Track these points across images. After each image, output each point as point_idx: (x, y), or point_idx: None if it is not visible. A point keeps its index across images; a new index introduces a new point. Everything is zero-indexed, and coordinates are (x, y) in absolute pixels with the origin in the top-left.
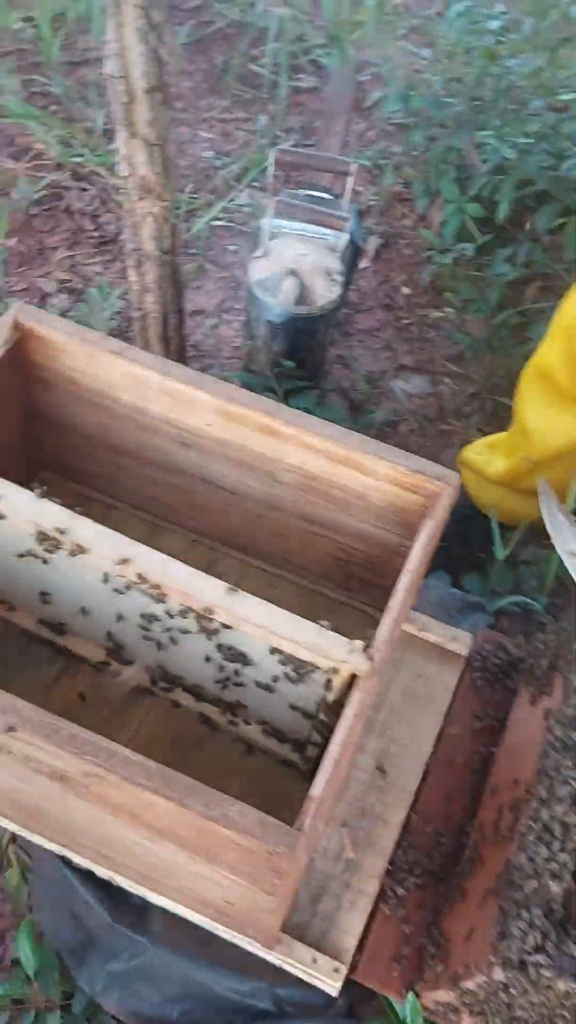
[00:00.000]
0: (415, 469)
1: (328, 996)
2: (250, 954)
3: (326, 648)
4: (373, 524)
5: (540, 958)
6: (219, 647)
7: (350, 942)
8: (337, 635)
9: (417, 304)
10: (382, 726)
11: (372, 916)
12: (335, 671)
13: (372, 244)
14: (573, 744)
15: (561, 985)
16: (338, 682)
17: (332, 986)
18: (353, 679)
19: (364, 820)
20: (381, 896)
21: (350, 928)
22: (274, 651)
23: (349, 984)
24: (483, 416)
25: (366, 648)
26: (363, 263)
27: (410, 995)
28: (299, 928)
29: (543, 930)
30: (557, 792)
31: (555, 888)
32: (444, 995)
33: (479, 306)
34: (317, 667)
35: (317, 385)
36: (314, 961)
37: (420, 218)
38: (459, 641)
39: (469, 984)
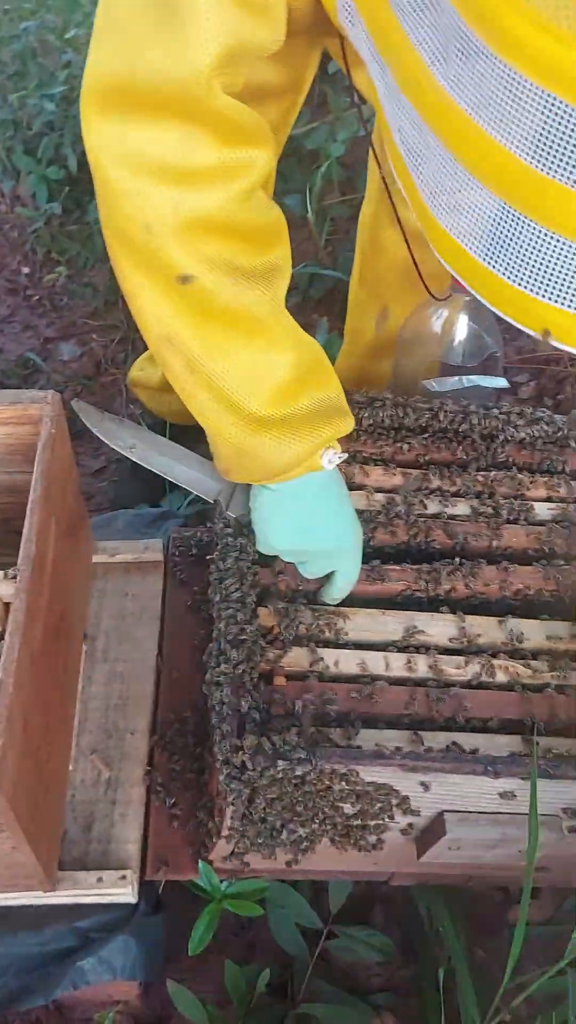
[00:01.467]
0: (11, 402)
1: (129, 906)
2: (47, 907)
3: None
4: (5, 472)
5: (248, 764)
6: None
7: (131, 849)
8: None
9: (40, 277)
10: (104, 654)
11: (148, 818)
12: None
13: None
14: (226, 571)
15: (274, 773)
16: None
17: (125, 893)
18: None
19: (112, 739)
20: (150, 795)
21: (128, 837)
22: None
23: (151, 887)
24: (137, 355)
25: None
26: None
27: (201, 865)
28: (80, 860)
29: (240, 736)
30: (223, 615)
31: (243, 702)
32: (224, 848)
33: (88, 257)
34: None
35: None
36: (100, 880)
37: (14, 198)
38: (151, 549)
39: (228, 820)
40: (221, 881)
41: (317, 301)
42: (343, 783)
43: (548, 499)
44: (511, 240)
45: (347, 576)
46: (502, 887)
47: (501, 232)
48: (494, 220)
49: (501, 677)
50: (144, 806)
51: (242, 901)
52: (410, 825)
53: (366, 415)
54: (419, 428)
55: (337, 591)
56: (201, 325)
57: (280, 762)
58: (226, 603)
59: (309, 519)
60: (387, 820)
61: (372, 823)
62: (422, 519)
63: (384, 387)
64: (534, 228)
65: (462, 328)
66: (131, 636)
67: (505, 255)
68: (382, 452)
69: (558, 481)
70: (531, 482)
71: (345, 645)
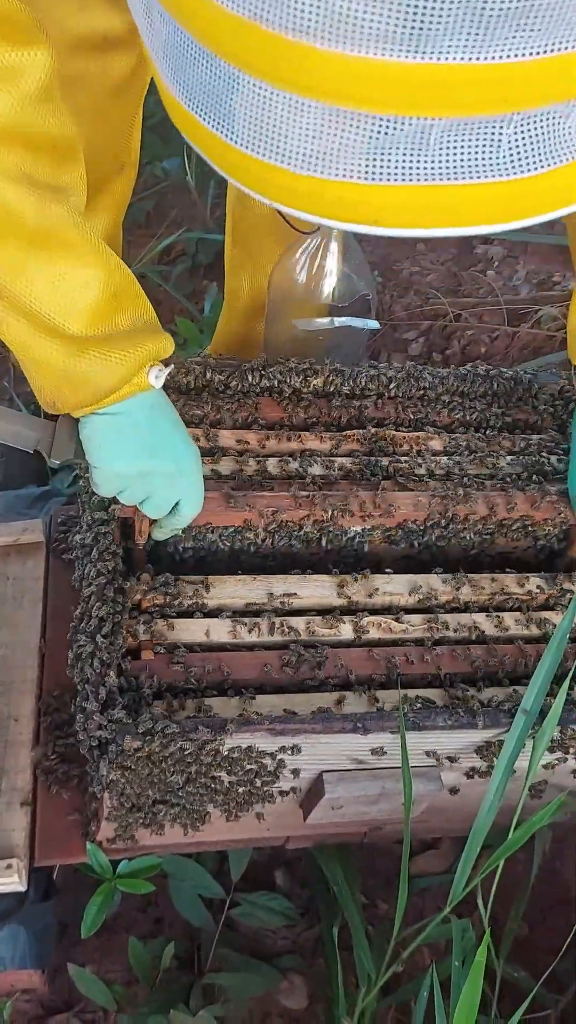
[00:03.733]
0: None
1: (18, 894)
2: None
3: None
4: None
5: (114, 742)
6: None
7: (18, 837)
8: None
9: None
10: None
11: (35, 804)
12: None
13: None
14: (88, 547)
15: (141, 748)
16: None
17: (11, 882)
18: None
19: None
20: (36, 780)
21: (13, 825)
22: None
23: (44, 874)
24: None
25: None
26: None
27: (89, 846)
28: None
29: (104, 714)
30: (86, 592)
31: (106, 679)
32: (109, 828)
33: None
34: None
35: None
36: None
37: None
38: (31, 530)
39: (107, 800)
40: (117, 861)
41: (206, 267)
42: (212, 753)
43: (419, 453)
44: (232, 98)
45: (191, 503)
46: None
47: (220, 91)
48: (214, 79)
49: (374, 634)
50: (31, 792)
51: (134, 880)
52: (293, 788)
53: (235, 379)
54: (291, 389)
55: (181, 520)
56: (3, 246)
57: (147, 737)
58: (87, 580)
59: (147, 438)
60: (268, 785)
61: (253, 789)
62: (296, 479)
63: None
64: (245, 80)
65: (331, 270)
66: (12, 621)
67: (216, 109)
68: (249, 415)
69: (431, 434)
70: (403, 438)
71: (215, 613)
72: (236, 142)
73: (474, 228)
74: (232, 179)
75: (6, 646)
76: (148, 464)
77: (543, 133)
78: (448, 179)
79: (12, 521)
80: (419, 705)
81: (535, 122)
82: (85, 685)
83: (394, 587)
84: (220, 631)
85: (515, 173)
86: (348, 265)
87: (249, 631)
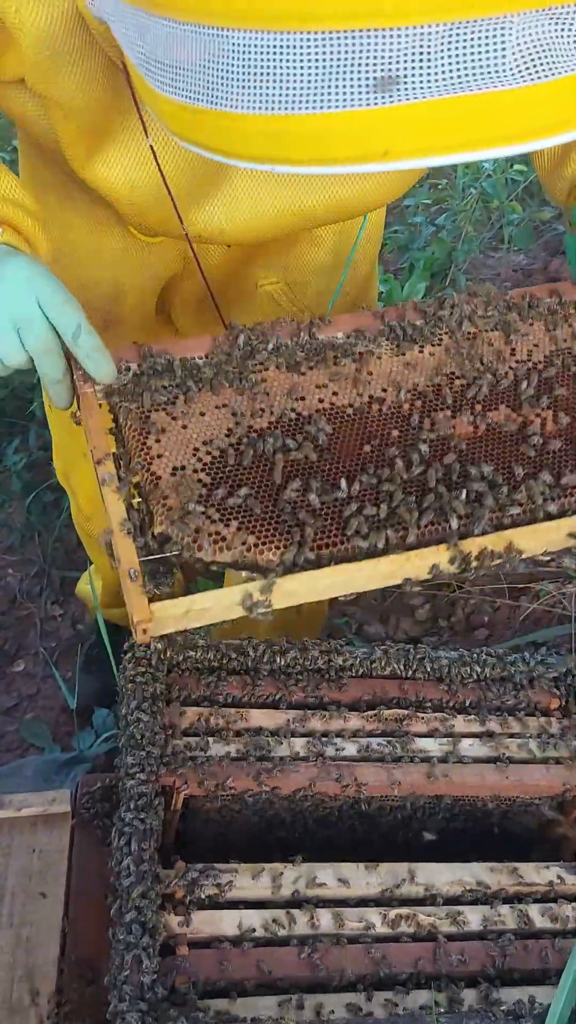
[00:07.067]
0: None
1: None
2: None
3: None
4: None
5: None
6: None
7: None
8: None
9: None
10: (9, 918)
11: None
12: None
13: None
14: (124, 848)
15: None
16: None
17: None
18: None
19: (17, 1017)
20: None
21: None
22: None
23: None
24: (53, 588)
25: None
26: None
27: None
28: None
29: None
30: (123, 884)
31: (143, 979)
32: None
33: (4, 498)
34: None
35: None
36: None
37: None
38: (59, 800)
39: None
40: None
41: None
42: None
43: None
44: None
45: (70, 330)
46: None
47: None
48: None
49: (404, 927)
50: None
51: None
52: None
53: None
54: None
55: (90, 362)
56: None
57: None
58: (126, 872)
59: None
60: None
61: None
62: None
63: None
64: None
65: None
66: (37, 896)
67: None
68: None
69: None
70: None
71: (249, 904)
72: (236, 107)
73: (488, 151)
74: (241, 159)
75: (31, 925)
76: None
77: (548, 37)
78: (454, 89)
79: (40, 789)
80: (443, 1009)
81: (539, 25)
82: (123, 987)
83: (419, 877)
84: (254, 923)
85: (522, 80)
86: None
87: (279, 923)
